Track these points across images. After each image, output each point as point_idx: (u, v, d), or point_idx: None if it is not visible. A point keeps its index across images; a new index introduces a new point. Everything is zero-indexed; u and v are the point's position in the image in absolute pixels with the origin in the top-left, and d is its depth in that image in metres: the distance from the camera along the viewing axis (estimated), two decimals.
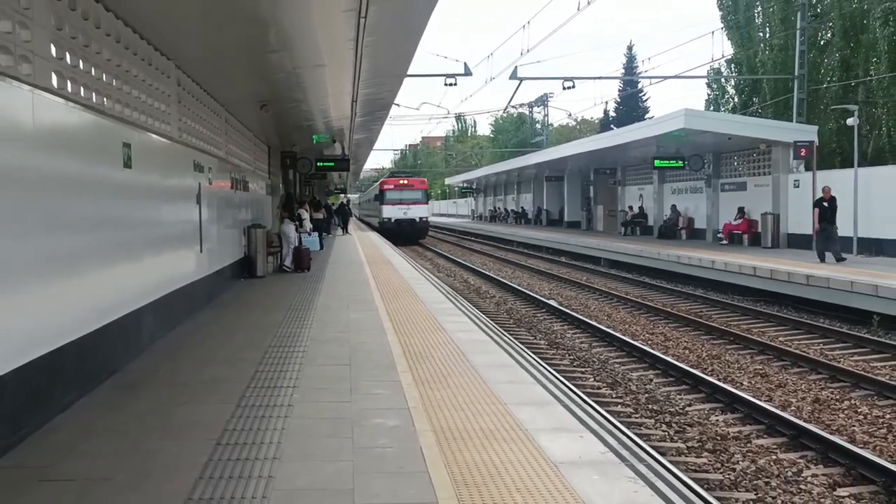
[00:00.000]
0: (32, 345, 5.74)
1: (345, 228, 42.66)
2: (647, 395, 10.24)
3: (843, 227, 22.45)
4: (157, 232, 9.65)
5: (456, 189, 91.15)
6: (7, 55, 5.47)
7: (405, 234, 43.31)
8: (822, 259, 19.31)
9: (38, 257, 5.87)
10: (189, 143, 11.67)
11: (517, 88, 32.73)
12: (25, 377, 5.56)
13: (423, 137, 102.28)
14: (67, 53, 6.66)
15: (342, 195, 65.17)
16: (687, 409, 9.57)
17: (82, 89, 7.01)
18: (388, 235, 41.05)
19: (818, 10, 33.55)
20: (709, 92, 43.37)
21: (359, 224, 63.87)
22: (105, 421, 6.13)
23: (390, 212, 44.81)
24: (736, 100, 40.05)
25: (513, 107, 67.47)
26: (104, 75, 7.64)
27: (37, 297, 5.83)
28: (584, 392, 9.17)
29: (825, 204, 19.40)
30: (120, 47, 8.15)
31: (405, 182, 47.34)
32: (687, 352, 12.88)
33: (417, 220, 44.82)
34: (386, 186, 46.81)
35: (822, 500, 6.68)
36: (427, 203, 47.17)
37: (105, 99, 7.66)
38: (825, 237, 19.52)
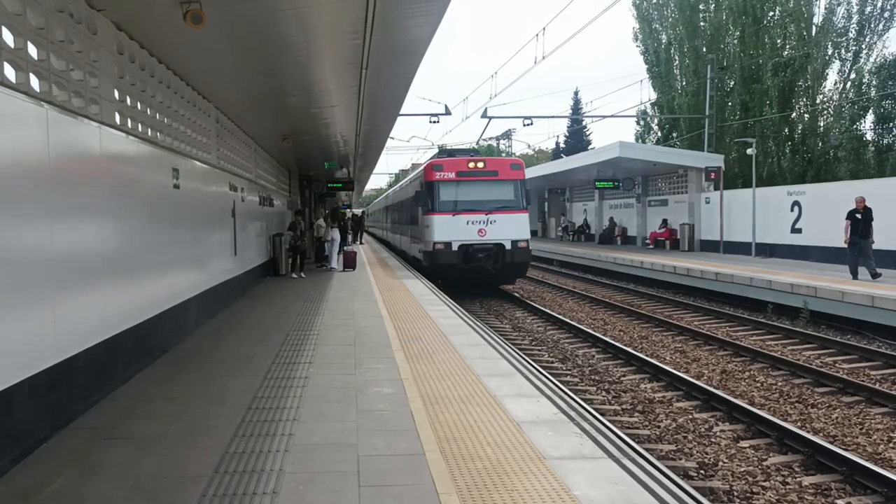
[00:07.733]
0: (100, 330, 5.69)
1: (355, 239, 36.51)
2: (590, 367, 10.28)
3: (743, 235, 22.63)
4: (200, 239, 9.58)
5: None
6: (80, 98, 5.44)
7: (484, 277, 17.48)
8: (855, 275, 14.23)
9: (106, 261, 5.81)
10: (225, 169, 11.60)
11: (487, 125, 32.36)
12: (95, 355, 5.51)
13: (412, 164, 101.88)
14: (128, 97, 6.63)
15: (348, 210, 64.50)
16: (622, 378, 9.62)
17: (140, 125, 6.97)
18: (443, 276, 17.40)
19: (723, 63, 33.85)
20: (637, 128, 43.65)
21: (370, 243, 41.13)
22: (159, 390, 6.09)
23: (448, 229, 17.18)
24: (659, 134, 40.23)
25: (484, 140, 67.32)
26: (157, 114, 7.60)
27: (103, 293, 5.78)
28: (540, 365, 9.20)
29: (858, 215, 14.13)
30: (170, 92, 8.11)
31: (480, 165, 17.75)
32: (622, 333, 12.94)
33: (509, 245, 17.12)
34: (439, 174, 17.61)
35: (728, 450, 6.75)
36: (527, 210, 17.99)
37: (158, 133, 7.61)
38: (857, 251, 14.24)
